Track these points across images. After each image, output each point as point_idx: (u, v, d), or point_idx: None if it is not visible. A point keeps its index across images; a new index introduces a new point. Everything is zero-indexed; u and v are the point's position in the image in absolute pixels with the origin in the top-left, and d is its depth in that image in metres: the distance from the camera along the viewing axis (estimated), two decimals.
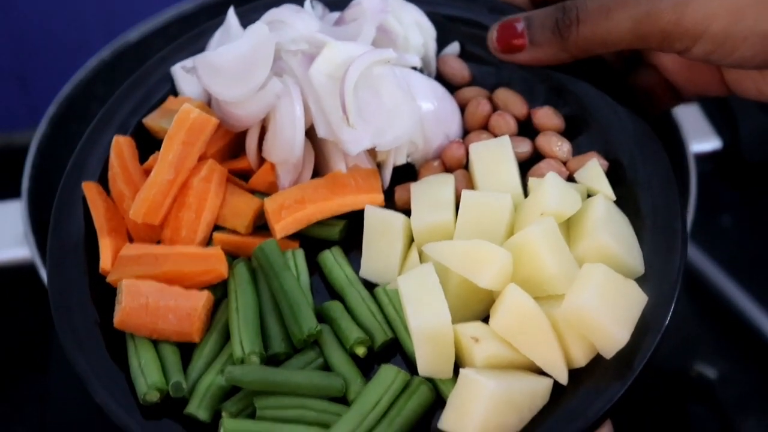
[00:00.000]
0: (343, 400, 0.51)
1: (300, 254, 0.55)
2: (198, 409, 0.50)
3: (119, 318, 0.52)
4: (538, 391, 0.48)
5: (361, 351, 0.52)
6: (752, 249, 0.91)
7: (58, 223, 0.55)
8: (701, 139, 0.76)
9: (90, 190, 0.56)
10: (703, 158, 0.75)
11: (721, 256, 0.88)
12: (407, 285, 0.51)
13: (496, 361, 0.49)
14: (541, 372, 0.49)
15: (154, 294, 0.52)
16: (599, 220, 0.51)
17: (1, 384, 0.81)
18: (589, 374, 0.49)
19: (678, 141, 0.70)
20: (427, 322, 0.49)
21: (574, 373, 0.49)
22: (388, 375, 0.50)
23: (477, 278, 0.49)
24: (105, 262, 0.54)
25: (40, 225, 0.68)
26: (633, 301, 0.49)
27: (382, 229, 0.55)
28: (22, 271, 0.69)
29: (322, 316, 0.54)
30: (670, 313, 0.49)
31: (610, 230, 0.51)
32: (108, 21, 0.91)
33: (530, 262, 0.50)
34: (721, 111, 0.76)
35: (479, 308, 0.52)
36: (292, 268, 0.54)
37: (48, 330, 0.79)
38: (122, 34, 0.78)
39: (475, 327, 0.50)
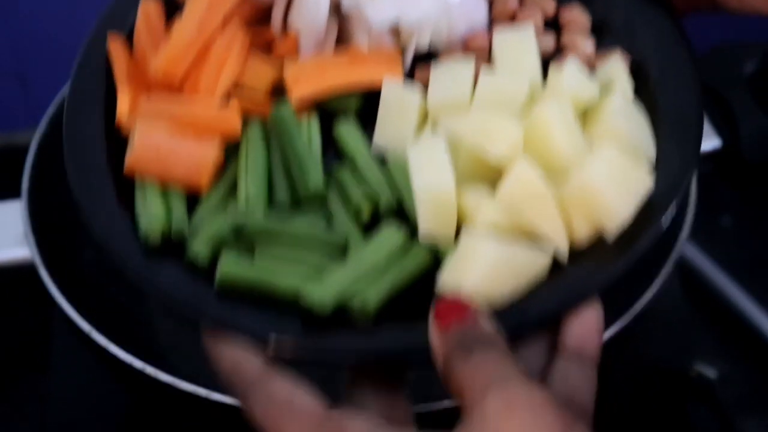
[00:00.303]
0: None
1: (314, 121, 0.56)
2: (198, 250, 0.50)
3: (129, 161, 0.53)
4: (536, 262, 0.49)
5: (365, 210, 0.52)
6: (752, 249, 0.91)
7: (80, 75, 0.57)
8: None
9: (114, 43, 0.57)
10: (702, 158, 0.74)
11: (721, 256, 0.88)
12: (415, 153, 0.52)
13: (497, 228, 0.49)
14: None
15: (165, 140, 0.53)
16: (614, 108, 0.52)
17: (1, 384, 0.81)
18: (589, 255, 0.49)
19: None
20: (430, 184, 0.50)
21: (574, 255, 0.50)
22: (388, 233, 0.51)
23: (488, 149, 0.50)
24: (122, 112, 0.54)
25: (40, 225, 0.67)
26: (639, 183, 0.50)
27: (398, 103, 0.56)
28: (22, 271, 0.69)
29: (330, 181, 0.54)
30: (677, 202, 0.50)
31: (624, 118, 0.52)
32: None
33: (542, 139, 0.50)
34: (721, 110, 0.76)
35: (487, 185, 0.52)
36: (305, 132, 0.55)
37: (48, 330, 0.79)
38: None
39: (480, 194, 0.50)
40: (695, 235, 0.84)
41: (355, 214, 0.53)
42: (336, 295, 0.48)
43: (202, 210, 0.53)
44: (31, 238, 0.66)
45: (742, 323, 0.84)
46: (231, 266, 0.49)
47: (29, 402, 0.80)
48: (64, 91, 0.74)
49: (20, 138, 0.96)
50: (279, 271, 0.50)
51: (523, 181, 0.49)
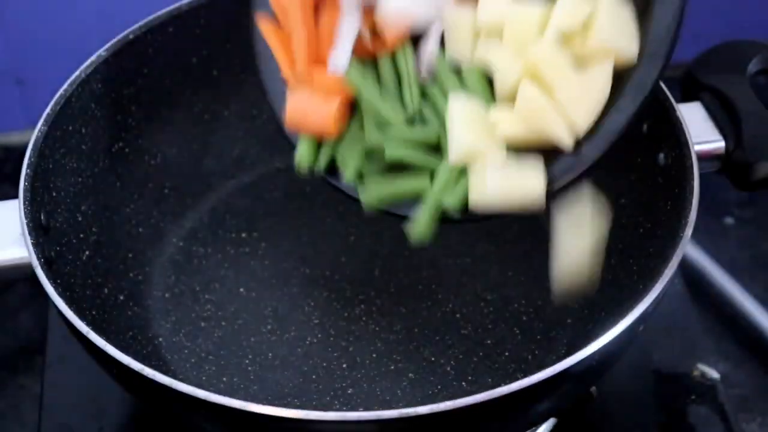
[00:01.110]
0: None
1: (409, 50, 0.68)
2: (349, 179, 0.67)
3: (287, 119, 0.68)
4: (529, 182, 0.63)
5: None
6: (755, 249, 0.91)
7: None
8: (704, 139, 0.75)
9: (265, 25, 0.70)
10: (705, 158, 0.74)
11: (724, 257, 0.88)
12: (452, 108, 0.65)
13: (515, 137, 0.64)
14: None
15: (306, 102, 0.68)
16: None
17: None
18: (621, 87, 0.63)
19: (681, 140, 0.70)
20: (458, 143, 0.64)
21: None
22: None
23: (497, 77, 0.65)
24: (286, 76, 0.69)
25: (37, 225, 0.67)
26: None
27: (454, 23, 0.68)
28: (19, 272, 0.69)
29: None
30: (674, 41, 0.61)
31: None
32: (108, 21, 0.90)
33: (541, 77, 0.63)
34: (724, 111, 0.76)
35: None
36: (402, 60, 0.68)
37: (45, 331, 0.79)
38: (122, 34, 0.78)
39: (503, 113, 0.64)
40: (698, 236, 0.84)
41: (443, 119, 0.65)
42: (434, 210, 0.64)
43: (343, 145, 0.68)
44: (29, 239, 0.66)
45: (745, 324, 0.84)
46: (369, 192, 0.66)
47: (26, 403, 0.79)
48: (62, 91, 0.74)
49: (18, 138, 0.96)
50: (405, 182, 0.66)
51: (527, 98, 0.62)
